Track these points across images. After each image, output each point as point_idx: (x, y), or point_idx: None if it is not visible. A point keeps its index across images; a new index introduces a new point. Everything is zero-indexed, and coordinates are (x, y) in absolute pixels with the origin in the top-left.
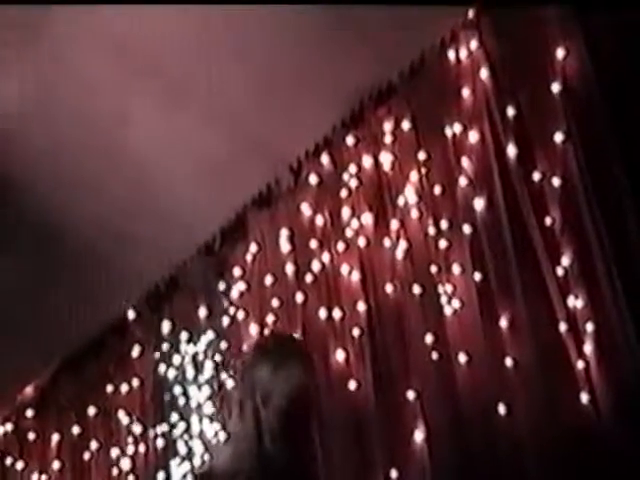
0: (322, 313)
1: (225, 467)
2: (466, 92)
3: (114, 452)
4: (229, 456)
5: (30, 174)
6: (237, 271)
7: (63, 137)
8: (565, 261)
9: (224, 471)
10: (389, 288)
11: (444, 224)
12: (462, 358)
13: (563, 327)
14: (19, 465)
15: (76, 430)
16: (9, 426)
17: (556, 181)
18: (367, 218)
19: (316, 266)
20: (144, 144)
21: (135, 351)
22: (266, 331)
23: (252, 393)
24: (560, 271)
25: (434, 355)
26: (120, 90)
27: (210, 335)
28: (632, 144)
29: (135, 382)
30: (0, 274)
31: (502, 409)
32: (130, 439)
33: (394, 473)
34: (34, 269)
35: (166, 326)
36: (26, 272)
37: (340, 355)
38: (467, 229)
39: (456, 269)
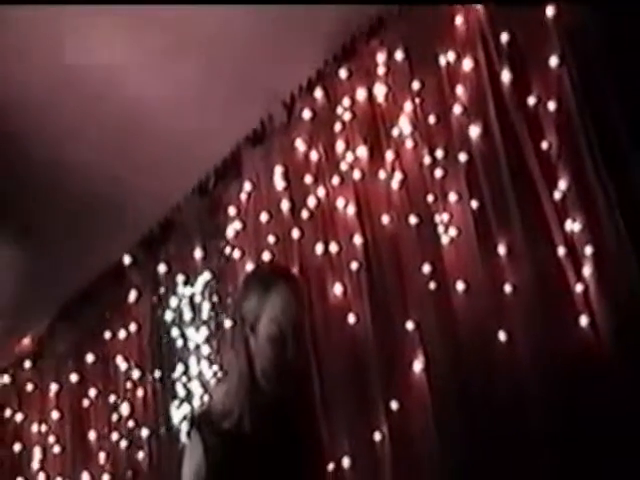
0: (319, 248)
1: (219, 407)
2: (459, 20)
3: (113, 398)
4: (222, 395)
5: (21, 122)
6: (232, 210)
7: (56, 87)
8: (562, 185)
9: (218, 411)
10: (385, 220)
11: (439, 153)
12: (460, 287)
13: (561, 251)
14: (18, 417)
15: (74, 378)
16: (7, 378)
17: (551, 105)
18: (362, 151)
19: (312, 201)
20: (134, 87)
21: (132, 296)
22: None
23: (242, 324)
24: (557, 195)
25: (432, 285)
26: (109, 39)
27: (206, 276)
28: (625, 65)
29: (133, 327)
30: None
31: (502, 336)
32: (129, 384)
33: (394, 404)
34: (29, 218)
35: (162, 269)
36: (21, 221)
37: (338, 289)
38: (462, 157)
39: (452, 197)
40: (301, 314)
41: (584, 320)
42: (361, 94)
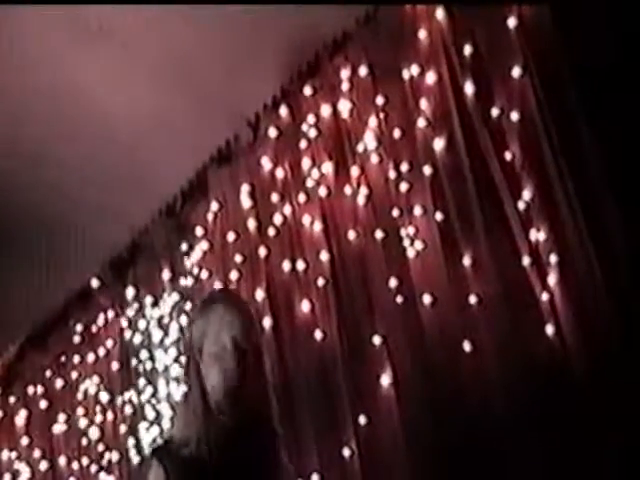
0: (286, 265)
1: (177, 437)
2: (422, 33)
3: (82, 423)
4: (180, 424)
5: None
6: (199, 231)
7: (19, 110)
8: (526, 195)
9: (177, 440)
10: (352, 235)
11: (404, 167)
12: (427, 299)
13: (526, 261)
14: None
15: (43, 404)
16: None
17: (515, 116)
18: (327, 167)
19: (278, 219)
20: (98, 110)
21: (100, 320)
22: (231, 288)
23: (192, 350)
24: (521, 205)
25: (399, 298)
26: (72, 58)
27: (175, 297)
28: (588, 75)
29: (101, 351)
30: None
31: (469, 347)
32: (98, 408)
33: (362, 419)
34: None
35: (130, 292)
36: None
37: (305, 306)
38: (427, 170)
39: (418, 211)
40: (243, 329)
41: (550, 329)
42: (326, 110)
